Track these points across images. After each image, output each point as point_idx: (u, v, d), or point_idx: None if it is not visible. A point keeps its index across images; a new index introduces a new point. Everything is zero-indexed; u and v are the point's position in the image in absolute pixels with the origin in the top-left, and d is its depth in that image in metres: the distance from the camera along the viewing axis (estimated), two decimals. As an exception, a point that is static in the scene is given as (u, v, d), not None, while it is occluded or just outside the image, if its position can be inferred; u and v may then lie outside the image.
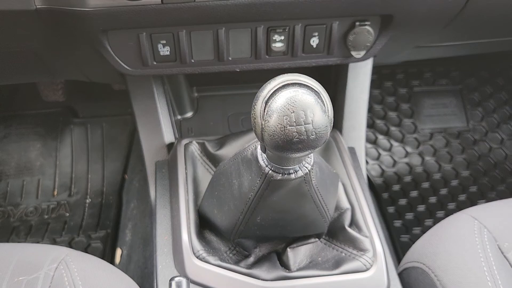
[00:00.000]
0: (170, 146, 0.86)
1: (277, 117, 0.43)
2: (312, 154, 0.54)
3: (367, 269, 0.65)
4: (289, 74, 0.46)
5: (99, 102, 1.41)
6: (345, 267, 0.65)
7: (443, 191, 1.30)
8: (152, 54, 0.70)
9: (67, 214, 1.22)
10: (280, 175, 0.52)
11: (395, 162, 1.33)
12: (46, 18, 0.64)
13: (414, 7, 0.67)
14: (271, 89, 0.45)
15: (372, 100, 1.39)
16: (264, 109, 0.45)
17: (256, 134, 0.47)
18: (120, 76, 0.81)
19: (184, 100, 0.99)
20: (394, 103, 1.40)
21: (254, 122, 0.46)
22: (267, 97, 0.45)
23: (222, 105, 1.03)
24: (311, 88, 0.45)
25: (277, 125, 0.43)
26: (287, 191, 0.55)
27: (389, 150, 1.35)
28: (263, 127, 0.44)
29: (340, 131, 0.90)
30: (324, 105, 0.45)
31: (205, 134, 0.89)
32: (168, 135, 0.89)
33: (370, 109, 1.38)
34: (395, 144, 1.35)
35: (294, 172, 0.52)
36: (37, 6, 0.62)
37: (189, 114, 1.01)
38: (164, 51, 0.70)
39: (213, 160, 0.80)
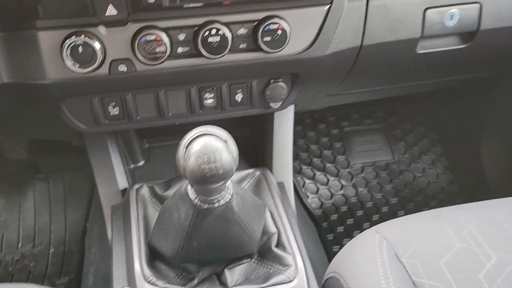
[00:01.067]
0: (124, 191, 0.99)
1: (194, 159, 0.59)
2: (231, 186, 0.69)
3: (290, 281, 0.79)
4: (203, 126, 0.62)
5: (60, 157, 1.52)
6: (273, 280, 0.79)
7: (375, 217, 1.47)
8: (104, 114, 0.85)
9: (31, 264, 1.30)
10: (206, 204, 0.67)
11: (332, 195, 1.50)
12: (12, 89, 0.77)
13: (313, 68, 0.85)
14: (189, 138, 0.61)
15: (308, 141, 1.58)
16: (185, 153, 0.60)
17: (180, 172, 0.62)
18: (77, 133, 0.95)
19: (136, 151, 1.14)
20: (328, 143, 1.59)
21: (178, 163, 0.61)
22: (186, 144, 0.60)
23: (170, 153, 1.18)
24: (219, 136, 0.61)
25: (195, 165, 0.59)
26: (214, 218, 0.69)
27: (327, 184, 1.52)
28: (184, 167, 0.60)
29: (270, 169, 1.06)
30: (229, 148, 0.61)
31: (155, 179, 1.03)
32: (122, 182, 1.02)
33: (307, 149, 1.56)
34: (331, 178, 1.53)
35: (217, 202, 0.67)
36: (5, 81, 0.75)
37: (141, 163, 1.15)
38: (114, 111, 0.85)
39: (161, 200, 0.93)
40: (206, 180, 0.59)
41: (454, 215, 0.77)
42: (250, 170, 0.98)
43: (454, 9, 0.86)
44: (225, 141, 0.61)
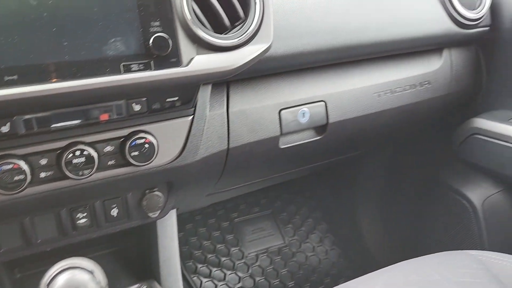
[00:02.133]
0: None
1: (59, 296, 0.55)
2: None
3: None
4: (66, 259, 0.59)
5: None
6: None
7: (276, 305, 1.47)
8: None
9: None
10: None
11: (231, 290, 1.48)
12: None
13: (185, 174, 0.88)
14: (51, 275, 0.57)
15: (201, 238, 1.56)
16: (47, 292, 0.56)
17: None
18: None
19: (4, 284, 1.01)
20: (221, 236, 1.59)
21: None
22: (48, 282, 0.56)
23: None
24: (84, 268, 0.59)
25: (60, 303, 0.55)
26: None
27: (224, 279, 1.50)
28: (48, 306, 0.55)
29: (158, 278, 1.02)
30: (96, 278, 0.58)
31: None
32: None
33: (201, 246, 1.54)
34: (228, 272, 1.51)
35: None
36: None
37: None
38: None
39: None
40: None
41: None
42: (135, 286, 0.93)
43: (304, 108, 0.98)
44: (91, 272, 0.59)
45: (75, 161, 0.73)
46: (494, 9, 1.17)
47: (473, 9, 1.12)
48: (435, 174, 1.42)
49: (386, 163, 1.61)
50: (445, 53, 1.17)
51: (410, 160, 1.55)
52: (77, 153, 0.73)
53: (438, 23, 1.08)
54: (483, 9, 1.13)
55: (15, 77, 0.62)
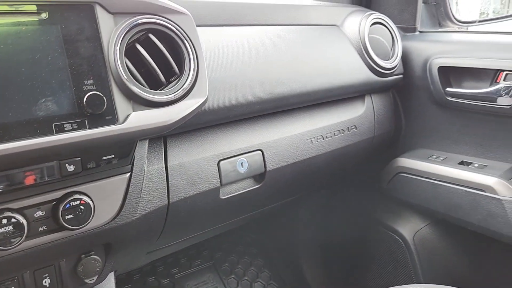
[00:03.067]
0: None
1: None
2: None
3: None
4: None
5: None
6: None
7: None
8: None
9: None
10: None
11: None
12: None
13: (124, 234, 0.84)
14: None
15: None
16: None
17: None
18: None
19: None
20: (161, 295, 1.52)
21: None
22: None
23: None
24: None
25: None
26: None
27: None
28: None
29: None
30: None
31: None
32: None
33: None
34: (171, 334, 1.43)
35: None
36: None
37: None
38: None
39: None
40: None
41: None
42: None
43: (242, 158, 1.00)
44: None
45: (1, 230, 0.67)
46: (405, 59, 1.30)
47: (388, 60, 1.23)
48: (368, 212, 1.49)
49: (323, 204, 1.66)
50: (367, 99, 1.27)
51: (345, 200, 1.62)
52: (4, 221, 0.67)
53: (359, 73, 1.18)
54: (396, 59, 1.25)
55: None
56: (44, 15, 0.67)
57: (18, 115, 0.63)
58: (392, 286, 0.92)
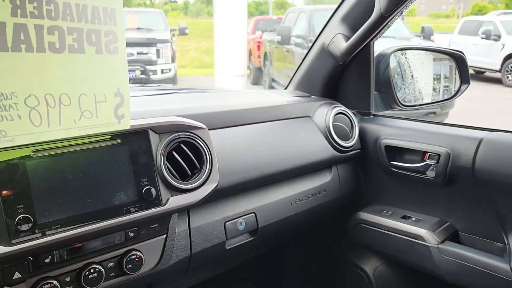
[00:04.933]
0: None
1: None
2: None
3: None
4: None
5: None
6: None
7: None
8: None
9: None
10: None
11: None
12: None
13: (161, 277, 1.24)
14: None
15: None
16: None
17: None
18: None
19: None
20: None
21: None
22: None
23: None
24: None
25: None
26: None
27: None
28: None
29: None
30: None
31: None
32: None
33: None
34: None
35: None
36: None
37: None
38: None
39: None
40: None
41: None
42: None
43: (241, 219, 1.41)
44: None
45: (91, 276, 1.06)
46: (362, 136, 1.73)
47: (347, 140, 1.67)
48: (338, 254, 1.89)
49: (303, 251, 2.05)
50: (334, 168, 1.69)
51: (320, 246, 2.01)
52: (91, 270, 1.07)
53: (325, 152, 1.60)
54: (354, 140, 1.68)
55: (58, 226, 0.98)
56: (118, 140, 1.08)
57: (104, 205, 1.04)
58: None
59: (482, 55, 14.12)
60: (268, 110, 1.55)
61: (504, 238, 1.40)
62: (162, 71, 10.11)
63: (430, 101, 2.06)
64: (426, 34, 9.58)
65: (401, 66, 2.14)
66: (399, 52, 1.96)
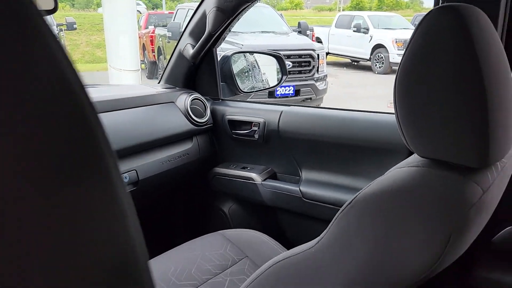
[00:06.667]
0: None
1: None
2: None
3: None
4: None
5: None
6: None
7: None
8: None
9: None
10: None
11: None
12: None
13: None
14: None
15: None
16: None
17: None
18: None
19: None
20: None
21: None
22: None
23: None
24: None
25: None
26: None
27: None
28: None
29: None
30: None
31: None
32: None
33: None
34: None
35: None
36: None
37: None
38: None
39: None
40: None
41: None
42: None
43: (126, 174, 2.03)
44: None
45: None
46: (214, 115, 2.46)
47: (202, 117, 2.38)
48: (205, 200, 2.61)
49: (181, 201, 2.74)
50: (194, 138, 2.39)
51: (192, 196, 2.72)
52: None
53: (185, 126, 2.29)
54: (207, 117, 2.39)
55: None
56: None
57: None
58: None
59: (356, 45, 16.04)
60: (142, 98, 2.19)
61: (299, 172, 2.23)
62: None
63: (261, 88, 2.87)
64: (302, 29, 10.82)
65: (250, 63, 2.94)
66: (248, 53, 2.74)
